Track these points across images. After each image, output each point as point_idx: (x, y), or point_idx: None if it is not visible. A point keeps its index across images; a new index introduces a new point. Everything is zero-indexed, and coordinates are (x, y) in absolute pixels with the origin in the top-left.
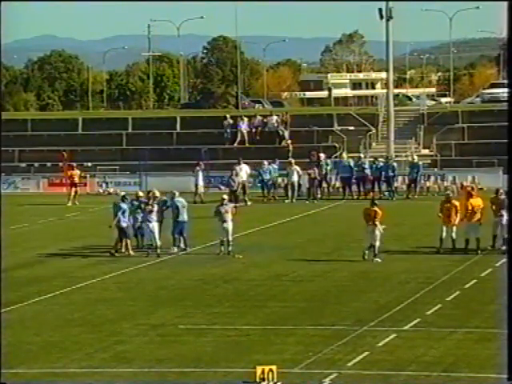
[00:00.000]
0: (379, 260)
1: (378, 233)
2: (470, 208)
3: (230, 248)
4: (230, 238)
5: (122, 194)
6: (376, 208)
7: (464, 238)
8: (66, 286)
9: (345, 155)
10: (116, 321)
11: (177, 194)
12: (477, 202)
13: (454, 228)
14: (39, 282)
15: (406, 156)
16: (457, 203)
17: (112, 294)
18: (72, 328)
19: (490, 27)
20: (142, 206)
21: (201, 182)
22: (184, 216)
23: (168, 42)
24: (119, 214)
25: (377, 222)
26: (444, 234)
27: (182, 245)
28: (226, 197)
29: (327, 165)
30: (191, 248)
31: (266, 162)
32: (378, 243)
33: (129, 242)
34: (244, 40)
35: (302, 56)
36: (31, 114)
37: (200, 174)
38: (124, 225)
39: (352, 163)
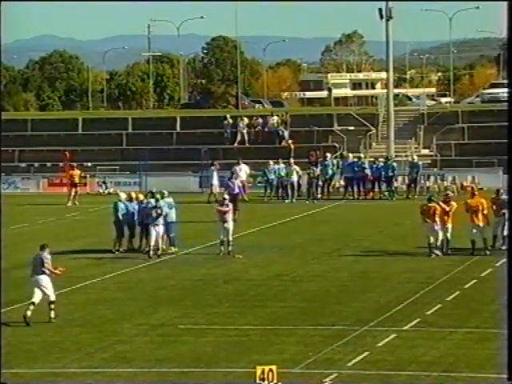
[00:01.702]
0: (439, 253)
1: (437, 228)
2: (470, 208)
3: (230, 248)
4: (231, 238)
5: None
6: (435, 204)
7: (470, 240)
8: (65, 285)
9: (350, 155)
10: (116, 321)
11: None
12: (477, 201)
13: (450, 229)
14: None
15: (405, 156)
16: (454, 204)
17: (112, 293)
18: (72, 328)
19: (489, 27)
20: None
21: (216, 182)
22: (170, 217)
23: (168, 42)
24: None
25: (437, 218)
26: (441, 235)
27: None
28: (226, 197)
29: (333, 165)
30: (177, 248)
31: (271, 162)
32: (440, 237)
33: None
34: (244, 40)
35: (302, 56)
36: (31, 114)
37: (215, 174)
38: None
39: (351, 162)
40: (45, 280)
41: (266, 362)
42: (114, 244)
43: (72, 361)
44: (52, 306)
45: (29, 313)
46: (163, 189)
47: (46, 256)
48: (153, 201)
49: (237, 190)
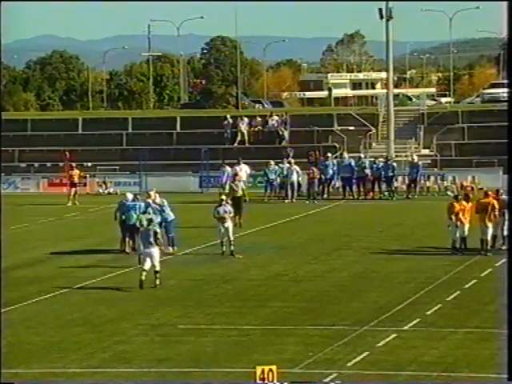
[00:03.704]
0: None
1: (490, 225)
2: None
3: (232, 248)
4: (232, 238)
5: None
6: (491, 199)
7: (479, 238)
8: (65, 285)
9: (346, 155)
10: (116, 321)
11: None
12: (491, 201)
13: (467, 227)
14: (39, 282)
15: (405, 156)
16: (465, 204)
17: (112, 294)
18: (72, 328)
19: (490, 27)
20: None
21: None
22: (168, 216)
23: (168, 41)
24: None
25: (491, 216)
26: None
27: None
28: (224, 197)
29: (334, 165)
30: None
31: (272, 162)
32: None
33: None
34: (244, 40)
35: (302, 56)
36: (31, 114)
37: (227, 174)
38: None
39: (353, 163)
40: (156, 252)
41: (265, 362)
42: (121, 244)
43: (72, 361)
44: (157, 275)
45: (143, 277)
46: (163, 189)
47: (158, 230)
48: (142, 205)
49: (240, 193)
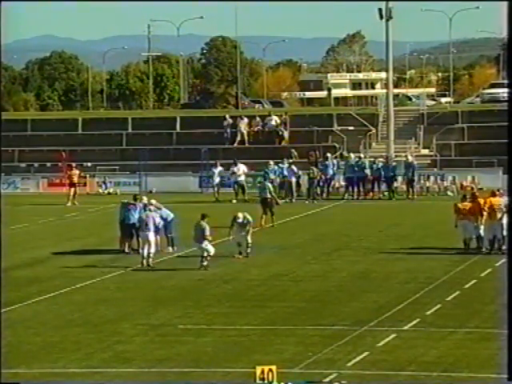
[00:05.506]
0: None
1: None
2: (491, 207)
3: (249, 250)
4: (250, 240)
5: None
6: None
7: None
8: (65, 285)
9: (352, 155)
10: (116, 321)
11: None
12: (498, 201)
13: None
14: (39, 282)
15: (405, 156)
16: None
17: (112, 294)
18: (72, 328)
19: (490, 27)
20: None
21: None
22: (168, 216)
23: (168, 42)
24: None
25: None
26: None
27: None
28: (240, 215)
29: (334, 165)
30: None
31: (271, 162)
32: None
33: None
34: (244, 40)
35: (302, 56)
36: (31, 114)
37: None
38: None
39: (353, 163)
40: (206, 245)
41: (265, 362)
42: (121, 244)
43: (72, 361)
44: (208, 258)
45: (205, 263)
46: (163, 189)
47: (207, 226)
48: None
49: (268, 195)
